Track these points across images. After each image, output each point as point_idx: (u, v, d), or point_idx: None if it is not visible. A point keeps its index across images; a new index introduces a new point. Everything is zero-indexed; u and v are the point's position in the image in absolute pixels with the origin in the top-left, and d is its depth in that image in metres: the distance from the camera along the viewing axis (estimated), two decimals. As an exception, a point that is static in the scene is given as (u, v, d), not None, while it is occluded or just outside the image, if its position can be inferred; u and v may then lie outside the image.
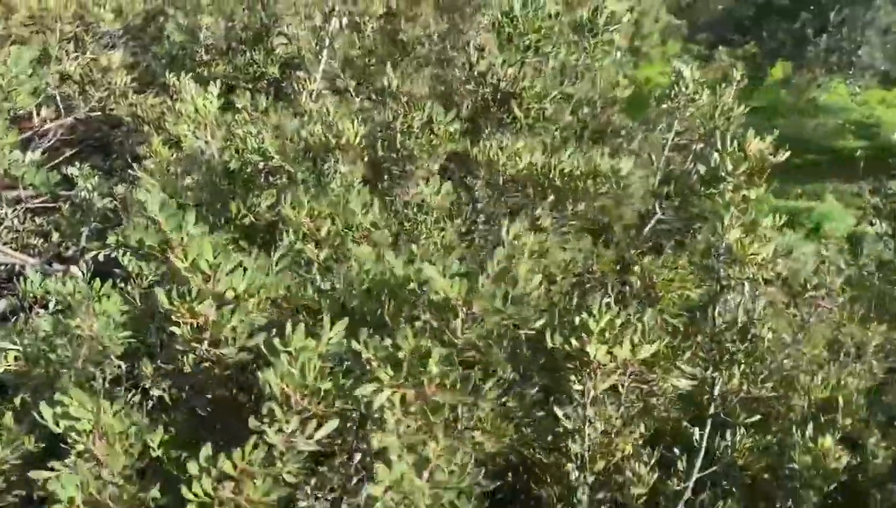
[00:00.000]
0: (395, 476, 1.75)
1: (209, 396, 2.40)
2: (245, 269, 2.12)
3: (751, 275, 3.07)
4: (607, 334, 2.27)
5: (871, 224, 6.26)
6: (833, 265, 4.87)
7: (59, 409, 1.92)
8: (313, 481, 2.19)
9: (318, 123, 3.49)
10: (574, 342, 2.26)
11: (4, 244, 5.56)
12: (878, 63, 19.73)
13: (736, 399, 3.38)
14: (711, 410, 3.38)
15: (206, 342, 2.11)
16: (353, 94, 4.82)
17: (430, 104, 3.26)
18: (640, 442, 3.03)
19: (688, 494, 3.38)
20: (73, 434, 1.93)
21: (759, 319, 3.34)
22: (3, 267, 5.26)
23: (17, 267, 5.17)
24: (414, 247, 2.43)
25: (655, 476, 2.91)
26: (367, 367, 1.86)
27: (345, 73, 4.84)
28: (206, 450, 1.84)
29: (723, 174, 3.25)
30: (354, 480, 2.24)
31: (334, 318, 1.94)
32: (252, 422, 1.88)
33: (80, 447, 1.93)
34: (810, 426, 3.36)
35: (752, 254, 3.03)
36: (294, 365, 1.86)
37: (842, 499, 3.94)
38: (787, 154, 3.50)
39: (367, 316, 2.23)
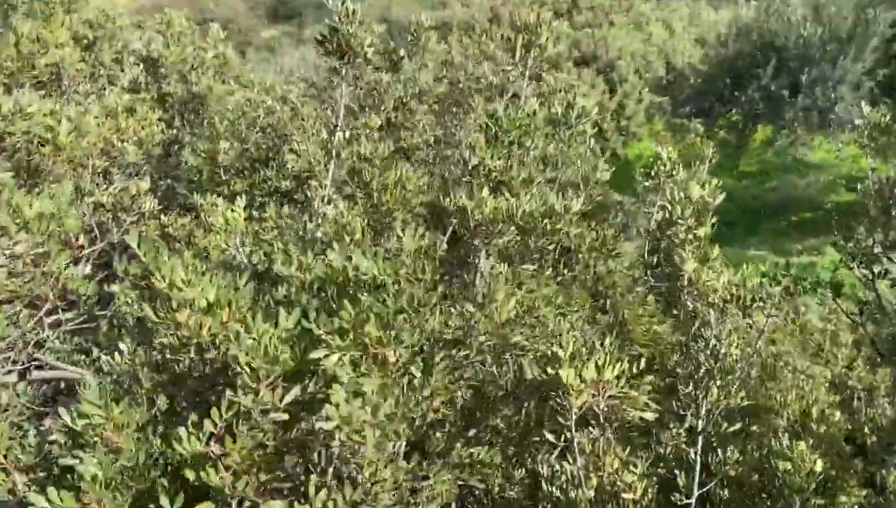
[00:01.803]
0: (344, 412, 2.20)
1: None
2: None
3: (713, 301, 3.53)
4: (576, 361, 2.70)
5: (849, 267, 6.70)
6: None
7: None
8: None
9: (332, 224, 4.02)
10: (549, 370, 2.69)
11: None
12: (855, 117, 20.47)
13: (717, 411, 3.77)
14: (700, 426, 3.77)
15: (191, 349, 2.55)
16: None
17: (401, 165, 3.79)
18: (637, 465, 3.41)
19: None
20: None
21: (725, 338, 3.77)
22: (52, 383, 5.67)
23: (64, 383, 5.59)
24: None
25: (650, 487, 3.25)
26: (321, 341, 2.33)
27: (352, 180, 5.38)
28: (193, 417, 2.32)
29: (675, 218, 3.81)
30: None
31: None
32: (229, 393, 2.33)
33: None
34: (786, 435, 3.75)
35: (707, 282, 3.50)
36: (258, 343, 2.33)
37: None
38: (723, 195, 4.07)
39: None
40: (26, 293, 4.34)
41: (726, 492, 4.12)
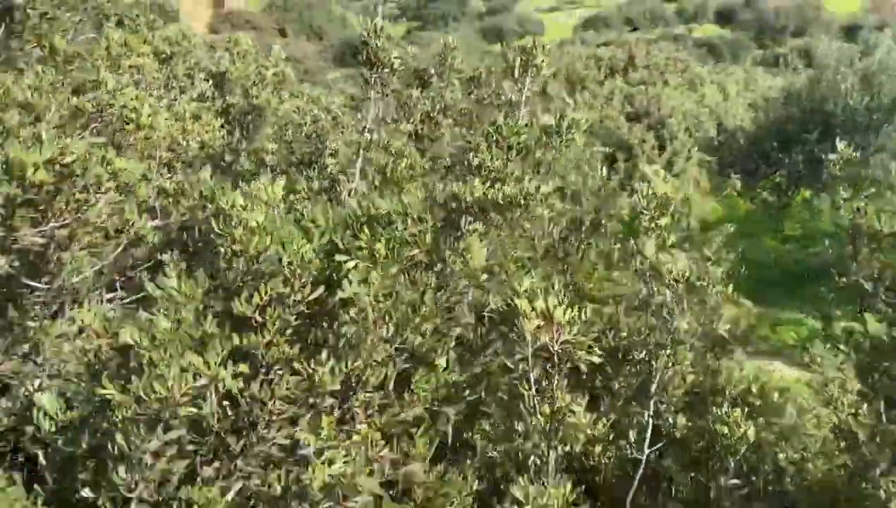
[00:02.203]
0: (355, 290, 3.12)
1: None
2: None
3: (668, 282, 4.19)
4: (529, 294, 3.39)
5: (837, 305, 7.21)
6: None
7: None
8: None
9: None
10: (508, 301, 3.38)
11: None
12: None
13: (667, 378, 4.40)
14: (653, 391, 4.40)
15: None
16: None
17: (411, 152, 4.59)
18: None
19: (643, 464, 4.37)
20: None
21: (678, 314, 4.40)
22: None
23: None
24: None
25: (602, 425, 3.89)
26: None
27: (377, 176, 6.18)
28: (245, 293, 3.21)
29: (640, 209, 4.50)
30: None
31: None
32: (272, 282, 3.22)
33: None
34: (727, 404, 4.36)
35: (662, 263, 4.16)
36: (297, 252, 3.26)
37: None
38: (732, 229, 4.74)
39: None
40: (100, 245, 5.18)
41: (673, 453, 4.74)
